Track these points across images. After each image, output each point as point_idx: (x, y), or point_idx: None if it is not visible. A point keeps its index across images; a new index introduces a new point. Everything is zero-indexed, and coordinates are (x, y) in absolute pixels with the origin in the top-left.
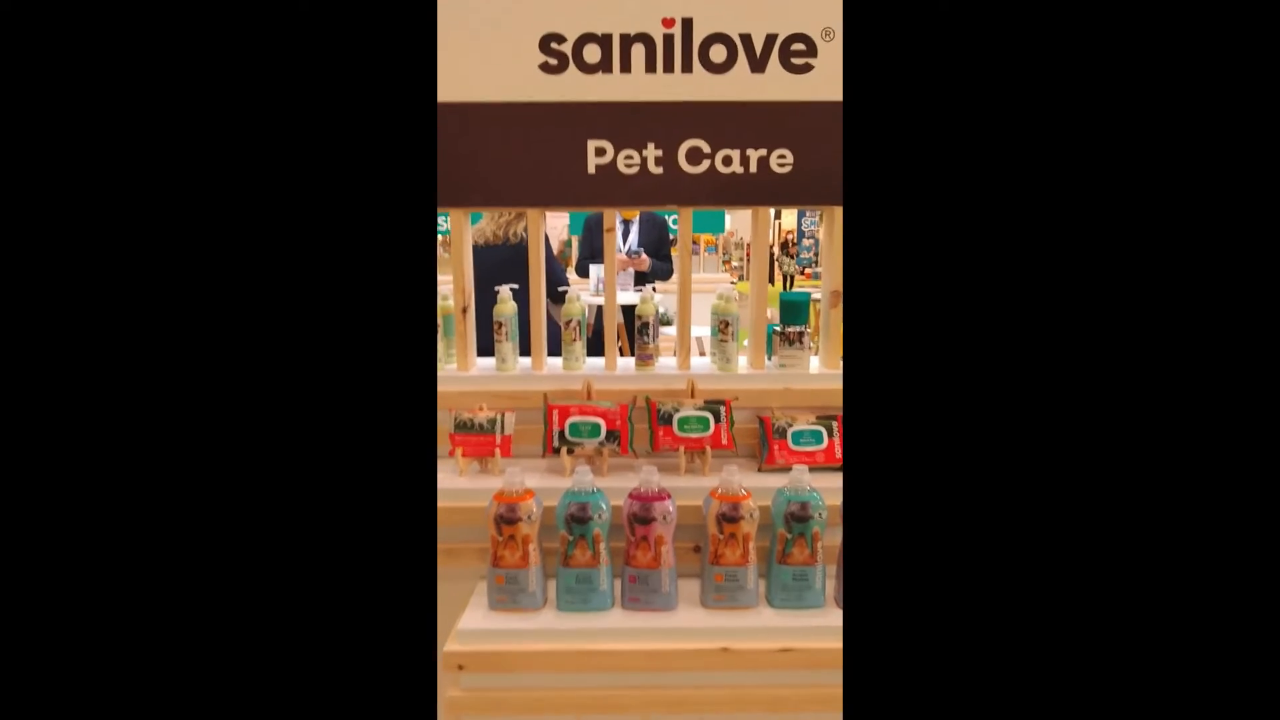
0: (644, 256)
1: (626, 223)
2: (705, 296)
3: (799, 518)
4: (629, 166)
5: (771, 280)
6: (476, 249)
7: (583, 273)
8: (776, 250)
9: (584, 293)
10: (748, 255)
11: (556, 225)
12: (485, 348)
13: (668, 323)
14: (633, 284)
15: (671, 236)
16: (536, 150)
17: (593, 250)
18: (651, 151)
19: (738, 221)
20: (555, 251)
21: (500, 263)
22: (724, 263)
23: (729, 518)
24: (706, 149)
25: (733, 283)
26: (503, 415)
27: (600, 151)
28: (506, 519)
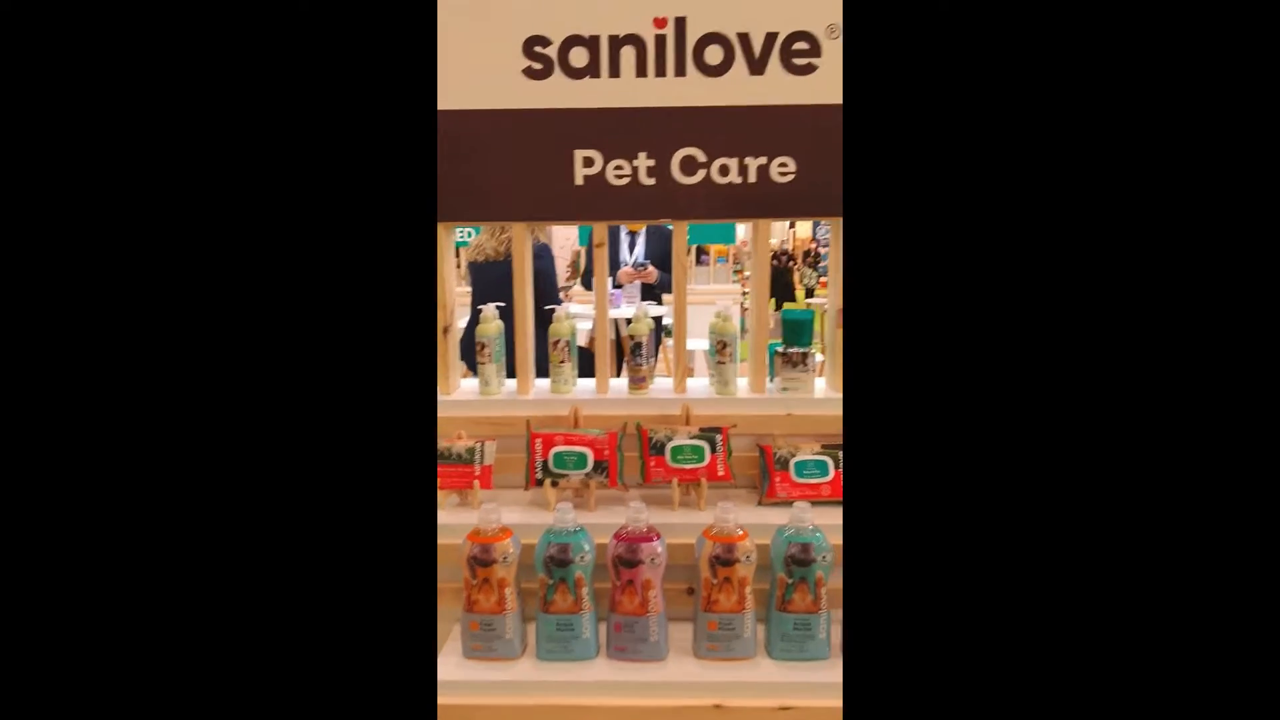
0: (651, 269)
1: (633, 235)
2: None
3: (800, 561)
4: (619, 177)
5: (791, 296)
6: (477, 265)
7: (590, 285)
8: (798, 260)
9: (589, 306)
10: None
11: (570, 236)
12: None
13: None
14: (640, 297)
15: None
16: (520, 161)
17: None
18: (643, 161)
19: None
20: (569, 262)
21: (501, 279)
22: (736, 273)
23: (723, 560)
24: (702, 158)
25: (745, 293)
26: (482, 444)
27: (588, 162)
28: (481, 560)
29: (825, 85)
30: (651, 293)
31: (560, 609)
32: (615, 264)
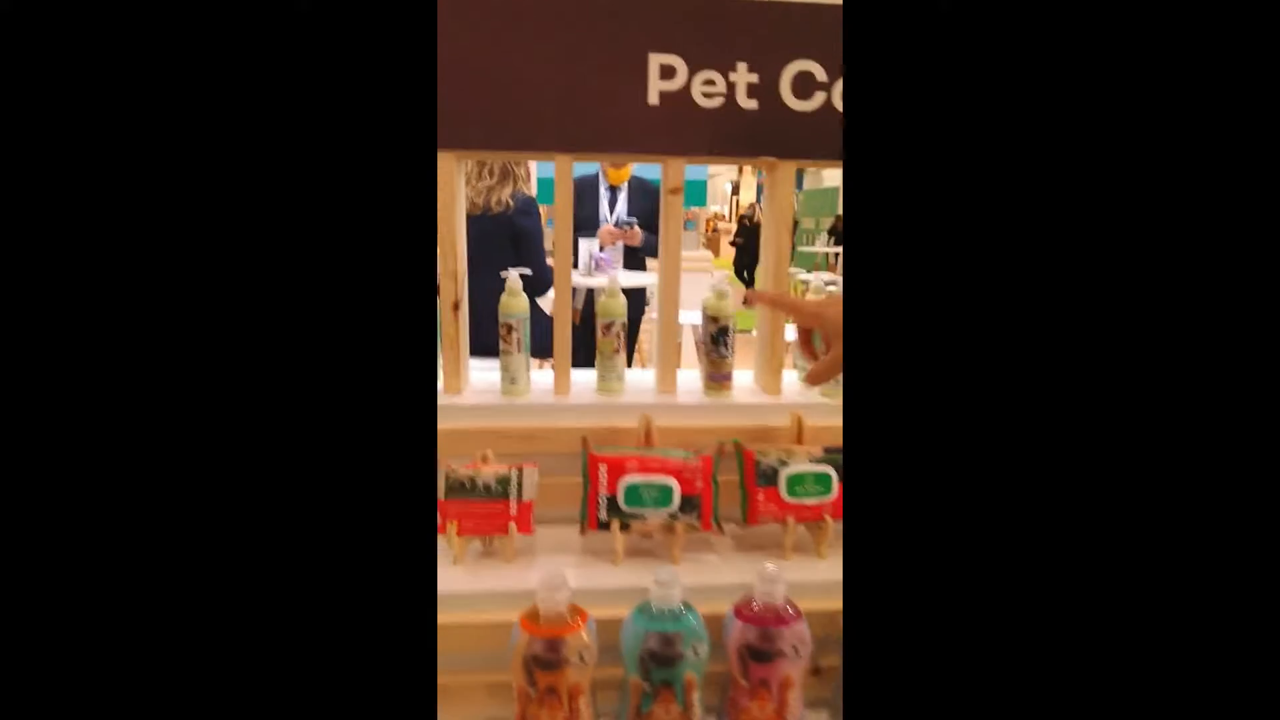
0: (636, 229)
1: (613, 189)
2: (691, 277)
3: None
4: (710, 97)
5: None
6: None
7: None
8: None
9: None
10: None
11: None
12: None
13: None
14: (622, 261)
15: None
16: (569, 68)
17: (578, 220)
18: (743, 75)
19: (720, 198)
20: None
21: (477, 238)
22: (707, 241)
23: None
24: (821, 76)
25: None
26: (520, 470)
27: (668, 72)
28: (546, 662)
29: None
30: (635, 256)
31: None
32: (595, 223)
